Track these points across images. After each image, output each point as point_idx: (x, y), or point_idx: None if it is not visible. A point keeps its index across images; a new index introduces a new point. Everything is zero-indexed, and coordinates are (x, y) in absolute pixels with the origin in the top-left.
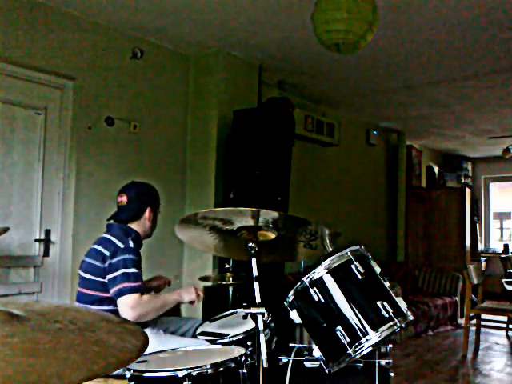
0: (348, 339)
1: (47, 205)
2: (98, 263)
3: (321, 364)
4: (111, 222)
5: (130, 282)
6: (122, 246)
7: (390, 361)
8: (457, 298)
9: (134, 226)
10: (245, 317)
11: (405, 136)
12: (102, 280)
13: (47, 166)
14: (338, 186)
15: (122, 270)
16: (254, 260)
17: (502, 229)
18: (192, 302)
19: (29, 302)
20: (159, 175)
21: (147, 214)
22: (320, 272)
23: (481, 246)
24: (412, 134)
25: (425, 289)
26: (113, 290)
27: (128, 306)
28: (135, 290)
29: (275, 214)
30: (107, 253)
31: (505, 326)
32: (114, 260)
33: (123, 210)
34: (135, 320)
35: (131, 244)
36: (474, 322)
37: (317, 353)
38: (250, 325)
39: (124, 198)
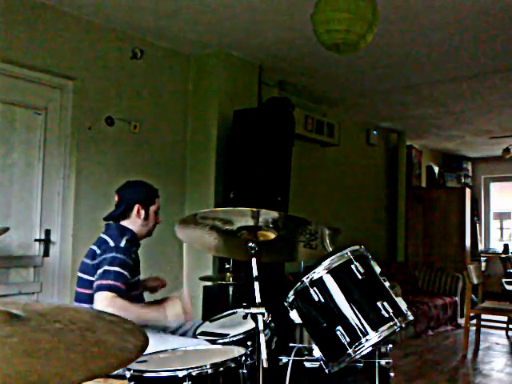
0: (348, 339)
1: (47, 205)
2: (89, 261)
3: (321, 364)
4: (109, 221)
5: (108, 279)
6: (112, 244)
7: (390, 361)
8: (457, 298)
9: (127, 224)
10: (245, 317)
11: (405, 136)
12: (92, 278)
13: (47, 166)
14: (338, 185)
15: (105, 267)
16: (254, 260)
17: (502, 229)
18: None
19: (29, 302)
20: (159, 175)
21: (135, 211)
22: (320, 272)
23: (481, 246)
24: (412, 134)
25: (425, 289)
26: (93, 285)
27: (100, 303)
28: (111, 288)
29: (275, 214)
30: (98, 251)
31: (505, 326)
32: (102, 257)
33: (114, 210)
34: None
35: (122, 244)
36: (474, 322)
37: (317, 353)
38: (250, 325)
39: (116, 198)
